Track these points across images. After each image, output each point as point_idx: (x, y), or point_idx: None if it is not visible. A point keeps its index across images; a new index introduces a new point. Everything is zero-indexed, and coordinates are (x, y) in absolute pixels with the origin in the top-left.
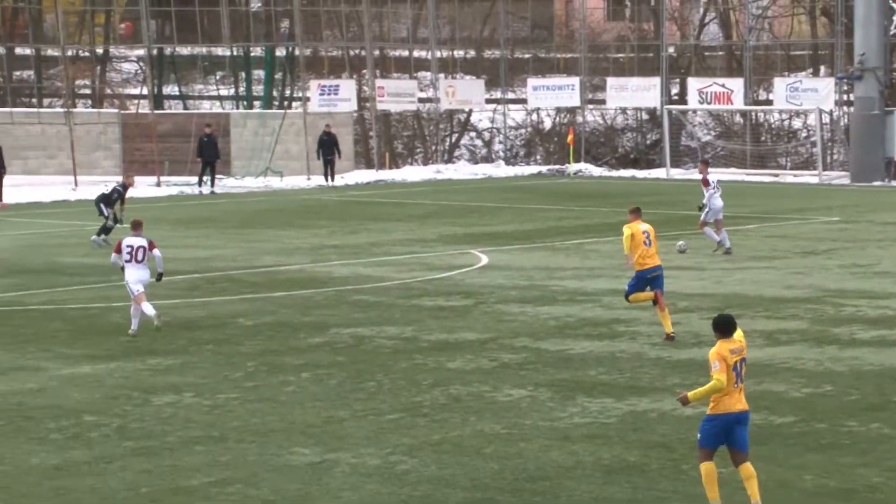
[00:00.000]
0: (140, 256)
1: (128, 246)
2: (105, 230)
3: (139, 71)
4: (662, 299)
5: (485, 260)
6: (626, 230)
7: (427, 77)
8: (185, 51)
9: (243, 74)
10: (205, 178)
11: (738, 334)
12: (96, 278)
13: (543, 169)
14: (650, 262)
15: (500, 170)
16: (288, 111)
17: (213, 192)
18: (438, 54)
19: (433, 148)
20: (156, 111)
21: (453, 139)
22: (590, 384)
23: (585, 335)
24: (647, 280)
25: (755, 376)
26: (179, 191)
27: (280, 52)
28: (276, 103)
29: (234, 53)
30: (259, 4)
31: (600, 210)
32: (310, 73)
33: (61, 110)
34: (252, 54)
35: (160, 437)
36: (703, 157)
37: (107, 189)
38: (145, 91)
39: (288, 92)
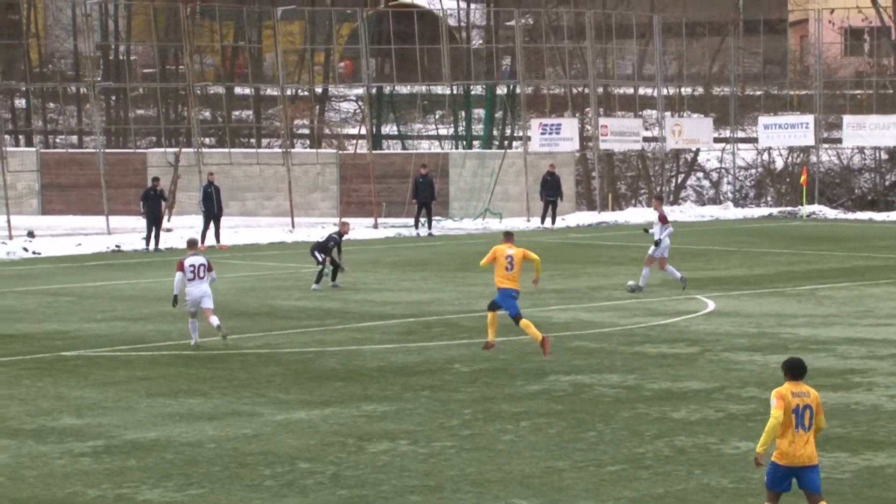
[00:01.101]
0: (202, 273)
1: (190, 265)
2: (320, 277)
3: (357, 110)
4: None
5: (711, 306)
6: (495, 251)
7: (652, 115)
8: (404, 89)
9: (463, 113)
10: (422, 220)
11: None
12: (311, 322)
13: (774, 211)
14: (508, 284)
15: (728, 212)
16: (508, 151)
17: (430, 234)
18: (665, 91)
19: (658, 189)
20: (374, 151)
21: (679, 180)
22: (822, 437)
23: (818, 385)
24: (508, 298)
25: None
26: (397, 233)
27: (501, 90)
28: (496, 143)
29: (454, 92)
30: (480, 42)
31: (835, 254)
32: (531, 112)
33: (279, 150)
34: (472, 92)
35: (374, 485)
36: (656, 193)
37: (322, 237)
38: (363, 131)
39: (508, 131)
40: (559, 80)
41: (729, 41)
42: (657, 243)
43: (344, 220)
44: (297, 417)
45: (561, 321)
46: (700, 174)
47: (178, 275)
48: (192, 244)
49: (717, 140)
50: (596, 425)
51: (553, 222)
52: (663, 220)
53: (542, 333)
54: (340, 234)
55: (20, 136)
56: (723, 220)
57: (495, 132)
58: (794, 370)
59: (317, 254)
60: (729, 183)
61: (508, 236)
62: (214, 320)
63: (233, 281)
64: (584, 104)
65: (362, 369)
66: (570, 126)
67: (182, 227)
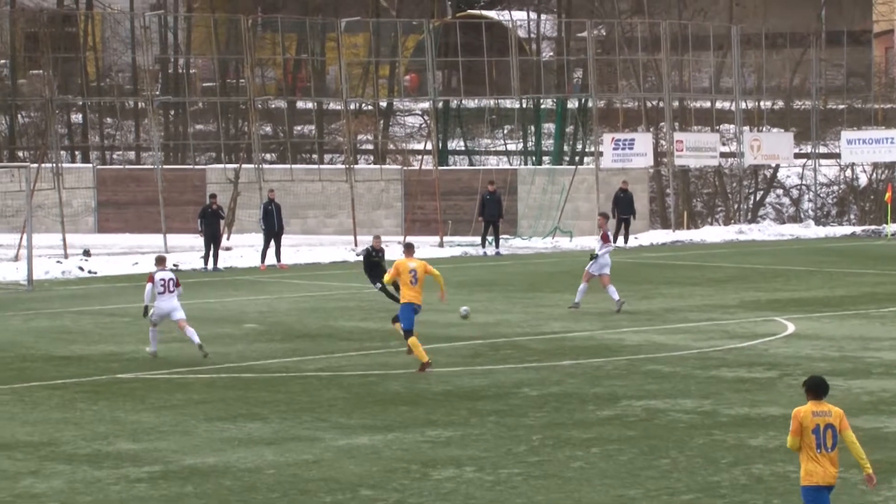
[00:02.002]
0: (171, 287)
1: (161, 279)
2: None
3: (423, 125)
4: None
5: (791, 328)
6: (397, 265)
7: (730, 130)
8: (471, 103)
9: (532, 128)
10: (489, 239)
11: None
12: (375, 344)
13: (858, 230)
14: (415, 298)
15: (809, 230)
16: (579, 167)
17: (498, 253)
18: (743, 105)
19: (735, 206)
20: (440, 167)
21: (758, 197)
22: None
23: None
24: (416, 311)
25: None
26: (463, 251)
27: (572, 103)
28: (567, 158)
29: (523, 106)
30: (551, 54)
31: None
32: (603, 126)
33: (342, 166)
34: (542, 106)
35: None
36: (601, 211)
37: (360, 256)
38: (429, 146)
39: (579, 146)
40: (633, 93)
41: (811, 53)
42: (594, 257)
43: (376, 235)
44: (360, 443)
45: (633, 344)
46: (780, 191)
47: (149, 286)
48: (160, 260)
49: (797, 156)
50: (669, 452)
51: (626, 241)
52: (605, 238)
53: (429, 359)
54: (375, 248)
55: (76, 152)
56: (803, 240)
57: (566, 147)
58: (816, 389)
59: (370, 276)
60: (810, 200)
61: (409, 248)
62: (194, 337)
63: (294, 301)
64: (658, 118)
65: (427, 393)
66: (643, 141)
67: (242, 245)
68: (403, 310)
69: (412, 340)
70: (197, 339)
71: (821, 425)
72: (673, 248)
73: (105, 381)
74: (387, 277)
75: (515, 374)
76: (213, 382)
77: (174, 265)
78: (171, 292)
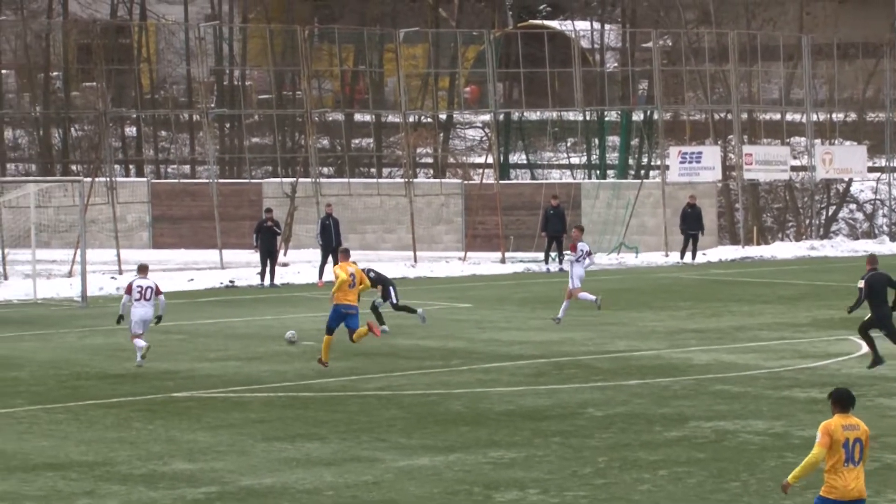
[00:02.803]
0: (148, 296)
1: (138, 286)
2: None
3: (484, 138)
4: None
5: (865, 348)
6: (337, 271)
7: (801, 143)
8: (533, 115)
9: (596, 141)
10: (552, 255)
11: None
12: (435, 362)
13: None
14: (349, 300)
15: (884, 246)
16: (644, 181)
17: (561, 270)
18: (814, 117)
19: (807, 222)
20: (501, 181)
21: (830, 212)
22: None
23: None
24: (343, 315)
25: None
26: (525, 268)
27: (637, 116)
28: (632, 172)
29: (587, 118)
30: (615, 65)
31: None
32: (669, 139)
33: (401, 180)
34: (606, 119)
35: None
36: (577, 224)
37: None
38: (490, 159)
39: (645, 160)
40: (700, 105)
41: (884, 63)
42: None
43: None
44: (420, 464)
45: (702, 363)
46: (853, 206)
47: (125, 296)
48: (142, 268)
49: (871, 169)
50: (740, 475)
51: (693, 257)
52: (574, 248)
53: (327, 362)
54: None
55: (130, 166)
56: (878, 256)
57: (631, 161)
58: (843, 401)
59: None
60: (884, 215)
61: (345, 253)
62: (141, 343)
63: None
64: (726, 131)
65: (489, 413)
66: (711, 154)
67: (299, 261)
68: (334, 310)
69: (327, 339)
70: (143, 345)
71: (850, 439)
72: (742, 265)
73: (160, 400)
74: (335, 289)
75: (580, 393)
76: (270, 401)
77: (230, 281)
78: (147, 300)
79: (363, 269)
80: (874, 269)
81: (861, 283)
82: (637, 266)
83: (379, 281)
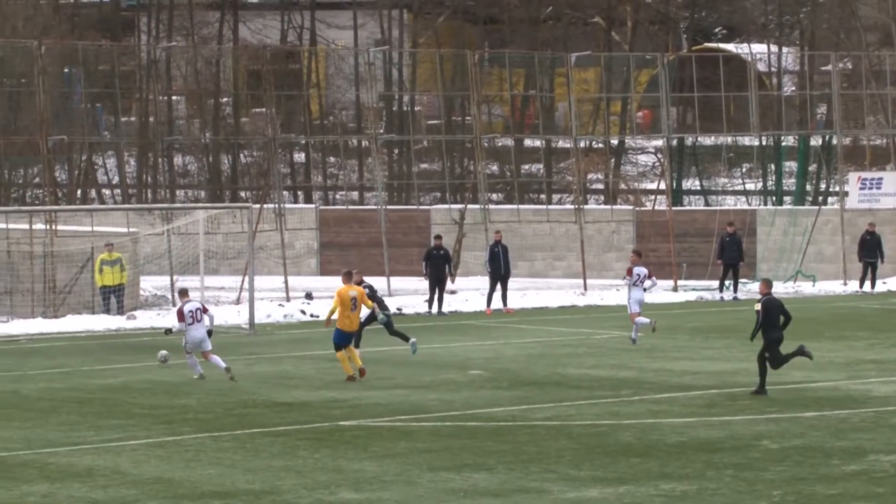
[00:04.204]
0: (200, 317)
1: (189, 311)
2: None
3: (656, 163)
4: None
5: None
6: (341, 294)
7: None
8: (707, 140)
9: (772, 166)
10: (726, 283)
11: None
12: (605, 392)
13: None
14: (350, 327)
15: None
16: (822, 207)
17: (735, 298)
18: None
19: None
20: (674, 207)
21: None
22: None
23: None
24: (348, 336)
25: None
26: (698, 296)
27: (815, 140)
28: (809, 198)
29: (763, 143)
30: (792, 88)
31: None
32: (849, 165)
33: (571, 207)
34: (783, 143)
35: None
36: (634, 248)
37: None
38: (663, 185)
39: (823, 186)
40: (881, 129)
41: None
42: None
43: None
44: (590, 496)
45: (882, 395)
46: None
47: (179, 324)
48: (183, 292)
49: None
50: None
51: (873, 286)
52: (630, 273)
53: (358, 371)
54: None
55: (299, 192)
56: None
57: (808, 187)
58: None
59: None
60: None
61: (349, 276)
62: (220, 363)
63: (520, 347)
64: None
65: (660, 444)
66: (892, 180)
67: (467, 288)
68: (338, 332)
69: (342, 356)
70: (223, 364)
71: None
72: None
73: (327, 428)
74: (332, 309)
75: (754, 425)
76: (437, 431)
77: (398, 309)
78: (199, 321)
79: (365, 287)
80: (768, 294)
81: (758, 307)
82: (814, 295)
83: (374, 297)
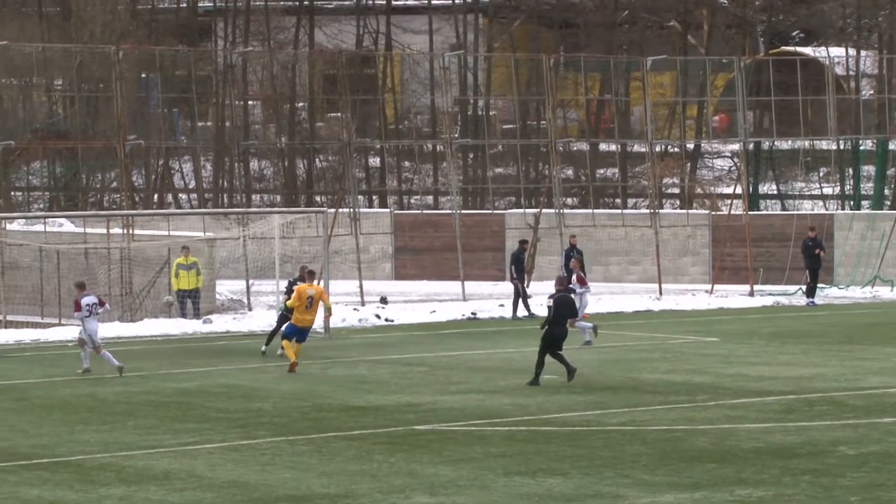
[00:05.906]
0: (96, 311)
1: (86, 304)
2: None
3: (733, 167)
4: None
5: None
6: (299, 291)
7: None
8: (784, 144)
9: (850, 171)
10: (802, 287)
11: None
12: (680, 397)
13: None
14: (306, 323)
15: None
16: None
17: (812, 303)
18: None
19: None
20: (750, 212)
21: None
22: None
23: None
24: (299, 331)
25: None
26: (774, 301)
27: (893, 144)
28: (888, 203)
29: (841, 147)
30: (871, 92)
31: None
32: None
33: (646, 211)
34: (861, 147)
35: None
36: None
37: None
38: (739, 189)
39: None
40: None
41: None
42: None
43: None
44: (665, 501)
45: None
46: None
47: (76, 314)
48: (80, 286)
49: None
50: None
51: None
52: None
53: (297, 360)
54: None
55: (374, 197)
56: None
57: (887, 191)
58: None
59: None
60: None
61: (311, 275)
62: (112, 360)
63: (595, 352)
64: None
65: (736, 450)
66: None
67: (541, 293)
68: (290, 325)
69: (287, 343)
70: (116, 363)
71: None
72: None
73: (402, 433)
74: (289, 302)
75: (831, 431)
76: (511, 435)
77: (472, 313)
78: (95, 314)
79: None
80: (562, 291)
81: (550, 302)
82: (892, 300)
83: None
